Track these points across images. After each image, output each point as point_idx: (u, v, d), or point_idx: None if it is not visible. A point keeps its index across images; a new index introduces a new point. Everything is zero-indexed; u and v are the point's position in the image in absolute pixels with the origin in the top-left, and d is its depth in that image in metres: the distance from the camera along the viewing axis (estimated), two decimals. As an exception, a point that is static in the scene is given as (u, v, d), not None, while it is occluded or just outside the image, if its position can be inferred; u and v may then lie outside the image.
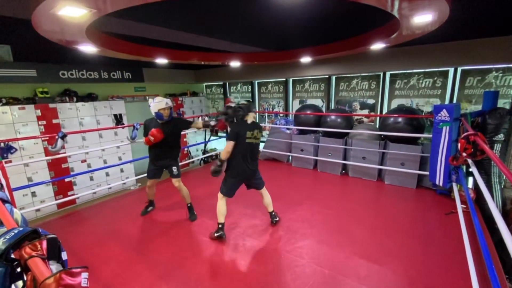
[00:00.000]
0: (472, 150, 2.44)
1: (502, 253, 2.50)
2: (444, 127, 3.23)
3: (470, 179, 4.05)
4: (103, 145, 5.85)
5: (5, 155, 3.37)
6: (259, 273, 2.41)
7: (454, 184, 3.28)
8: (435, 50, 4.49)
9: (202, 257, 2.67)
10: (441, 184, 3.44)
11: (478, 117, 3.47)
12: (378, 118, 5.47)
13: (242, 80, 7.64)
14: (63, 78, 5.38)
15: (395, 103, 5.30)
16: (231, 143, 2.75)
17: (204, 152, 7.87)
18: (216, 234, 2.90)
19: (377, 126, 5.21)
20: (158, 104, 3.05)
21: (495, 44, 3.97)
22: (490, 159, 3.17)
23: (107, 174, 6.09)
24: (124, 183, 5.95)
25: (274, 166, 5.68)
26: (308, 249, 2.73)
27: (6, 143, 3.40)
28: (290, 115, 6.55)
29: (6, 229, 0.94)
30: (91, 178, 5.81)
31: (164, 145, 3.20)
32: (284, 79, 6.85)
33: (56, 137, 3.41)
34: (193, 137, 8.06)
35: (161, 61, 5.13)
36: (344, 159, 4.99)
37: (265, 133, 6.85)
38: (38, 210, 4.84)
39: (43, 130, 5.07)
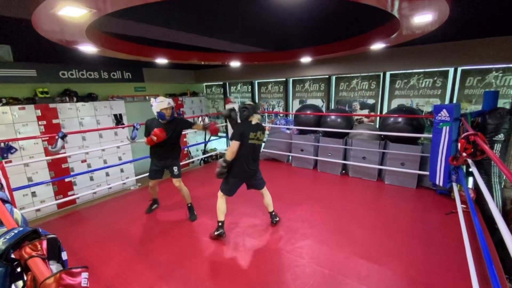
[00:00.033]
0: (472, 150, 2.44)
1: (502, 253, 2.50)
2: (444, 127, 3.23)
3: (470, 179, 4.05)
4: (103, 145, 5.85)
5: (5, 155, 3.37)
6: (259, 273, 2.41)
7: (454, 184, 3.28)
8: (435, 50, 4.49)
9: (202, 257, 2.67)
10: (441, 184, 3.44)
11: (478, 117, 3.47)
12: (378, 118, 5.47)
13: (242, 80, 7.65)
14: (63, 78, 5.38)
15: (395, 103, 5.30)
16: (236, 143, 2.72)
17: (204, 152, 7.87)
18: (216, 233, 2.90)
19: (377, 126, 5.21)
20: (160, 104, 3.06)
21: (495, 44, 3.97)
22: (490, 159, 3.17)
23: (107, 174, 6.09)
24: (124, 183, 5.95)
25: (274, 166, 5.68)
26: (308, 249, 2.73)
27: (6, 143, 3.40)
28: (290, 115, 6.55)
29: (6, 229, 0.94)
30: (91, 178, 5.81)
31: (166, 145, 3.21)
32: (284, 79, 6.85)
33: (56, 137, 3.42)
34: (193, 137, 8.07)
35: (161, 61, 5.13)
36: (344, 159, 4.99)
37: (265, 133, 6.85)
38: (38, 210, 4.84)
39: (43, 130, 5.07)
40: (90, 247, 2.91)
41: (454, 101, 4.69)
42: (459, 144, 2.59)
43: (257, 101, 7.54)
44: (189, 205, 3.45)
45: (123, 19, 2.98)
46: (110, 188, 5.74)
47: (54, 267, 0.84)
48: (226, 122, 7.09)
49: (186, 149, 7.62)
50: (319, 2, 2.77)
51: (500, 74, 4.25)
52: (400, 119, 4.36)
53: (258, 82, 7.54)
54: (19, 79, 4.80)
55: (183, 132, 3.54)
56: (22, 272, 0.82)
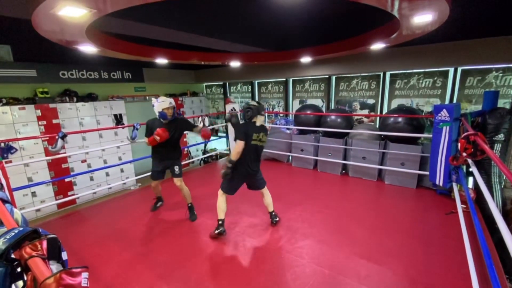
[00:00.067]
0: (472, 150, 2.44)
1: (502, 253, 2.50)
2: (444, 127, 3.24)
3: (470, 179, 4.05)
4: (103, 145, 5.85)
5: (5, 155, 3.37)
6: (259, 273, 2.41)
7: (454, 184, 3.28)
8: (435, 50, 4.49)
9: (202, 257, 2.67)
10: (441, 184, 3.44)
11: (478, 117, 3.47)
12: (378, 118, 5.47)
13: (242, 80, 7.65)
14: (63, 78, 5.39)
15: (395, 103, 5.30)
16: (241, 143, 2.69)
17: (204, 152, 7.87)
18: (216, 231, 2.90)
19: (377, 126, 5.21)
20: (162, 103, 3.06)
21: (495, 44, 3.97)
22: (490, 159, 3.17)
23: (107, 174, 6.09)
24: (124, 183, 5.95)
25: (274, 166, 5.68)
26: (308, 249, 2.73)
27: (6, 143, 3.40)
28: (290, 115, 6.55)
29: (6, 229, 0.94)
30: (91, 178, 5.81)
31: (169, 145, 3.21)
32: (284, 79, 6.85)
33: (56, 137, 3.42)
34: (193, 137, 8.07)
35: (161, 61, 5.13)
36: (344, 159, 4.99)
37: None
38: (38, 210, 4.84)
39: (43, 130, 5.07)
40: (90, 247, 2.91)
41: (454, 101, 4.69)
42: (459, 144, 2.60)
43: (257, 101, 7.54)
44: (190, 205, 3.45)
45: (123, 19, 2.98)
46: (110, 188, 5.74)
47: (54, 267, 0.84)
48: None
49: (186, 149, 7.62)
50: (319, 2, 2.78)
51: (500, 74, 4.25)
52: (400, 119, 4.36)
53: (258, 82, 7.54)
54: (19, 79, 4.80)
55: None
56: (22, 272, 0.82)
